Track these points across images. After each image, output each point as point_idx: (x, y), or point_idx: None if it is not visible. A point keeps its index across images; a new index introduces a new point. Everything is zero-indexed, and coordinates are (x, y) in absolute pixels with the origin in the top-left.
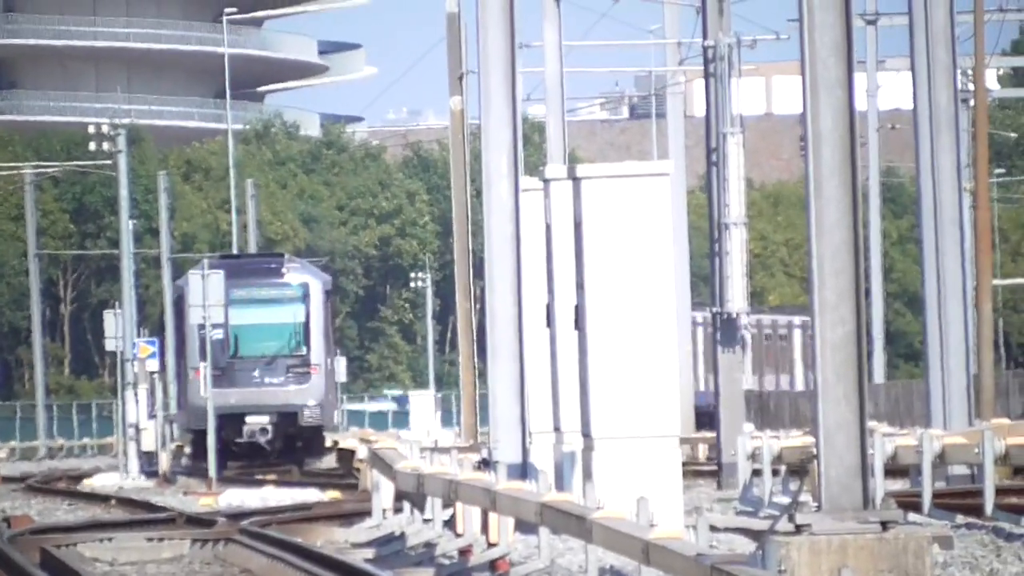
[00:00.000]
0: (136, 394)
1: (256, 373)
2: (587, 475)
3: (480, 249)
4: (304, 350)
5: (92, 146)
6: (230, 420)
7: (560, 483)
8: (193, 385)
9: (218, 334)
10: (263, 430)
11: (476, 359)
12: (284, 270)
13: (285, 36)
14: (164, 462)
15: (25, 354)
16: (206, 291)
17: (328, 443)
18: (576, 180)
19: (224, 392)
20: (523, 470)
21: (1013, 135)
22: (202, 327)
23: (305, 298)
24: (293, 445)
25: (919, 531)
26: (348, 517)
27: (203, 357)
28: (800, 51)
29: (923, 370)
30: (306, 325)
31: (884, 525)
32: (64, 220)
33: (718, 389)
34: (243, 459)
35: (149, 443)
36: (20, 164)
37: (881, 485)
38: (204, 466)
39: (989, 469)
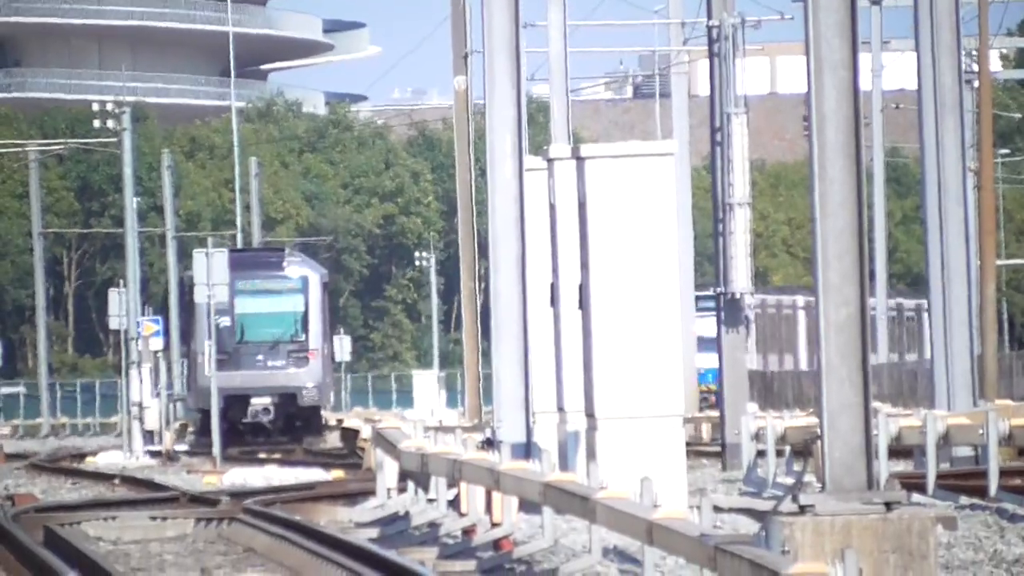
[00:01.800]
0: (140, 373)
1: (260, 357)
2: (591, 455)
3: (484, 228)
4: (303, 336)
5: (96, 124)
6: (236, 401)
7: (564, 463)
8: (201, 367)
9: (225, 321)
10: (266, 410)
11: (480, 339)
12: (285, 264)
13: (289, 14)
14: (168, 441)
15: (29, 332)
16: (210, 270)
17: (332, 422)
18: (580, 160)
19: (230, 375)
20: (527, 450)
21: (1017, 116)
22: (209, 313)
23: (304, 289)
24: (293, 424)
25: (923, 512)
26: (352, 496)
27: (209, 337)
28: (804, 31)
29: (927, 350)
30: (305, 314)
31: (888, 506)
32: (69, 198)
33: (721, 369)
34: (247, 437)
35: (153, 422)
36: (25, 142)
37: (885, 466)
38: (210, 444)
39: (993, 450)
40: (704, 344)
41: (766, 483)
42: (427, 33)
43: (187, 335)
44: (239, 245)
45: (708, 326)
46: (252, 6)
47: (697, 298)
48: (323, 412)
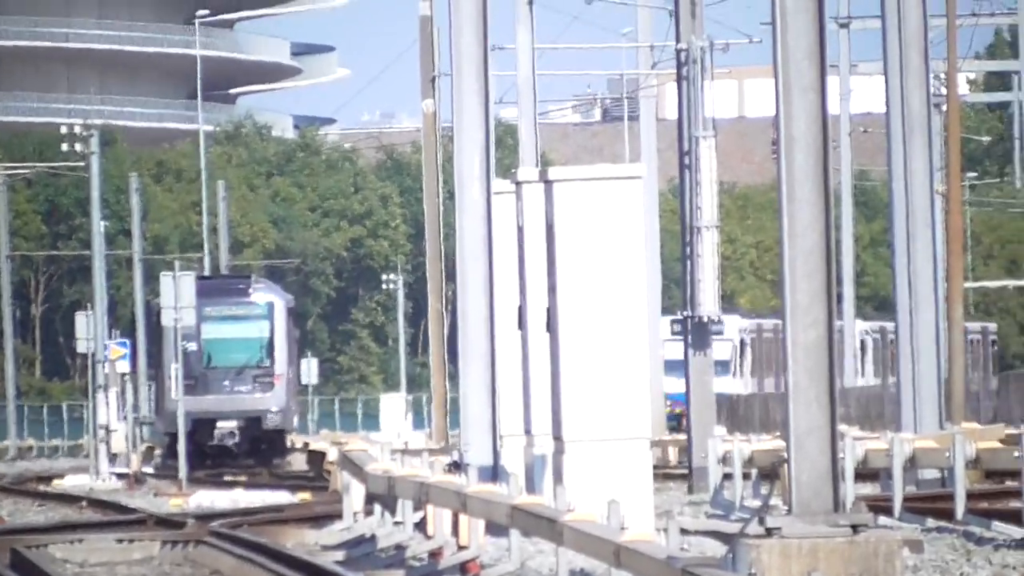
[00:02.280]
0: (107, 396)
1: (226, 382)
2: (558, 478)
3: (452, 251)
4: (268, 362)
5: (64, 147)
6: (202, 424)
7: (531, 486)
8: (169, 391)
9: (192, 346)
10: (231, 433)
11: (447, 362)
12: (251, 290)
13: (257, 38)
14: (135, 463)
15: None
16: (177, 293)
17: (299, 445)
18: (548, 183)
19: (197, 399)
20: (494, 472)
21: (986, 139)
22: (176, 337)
23: (270, 315)
24: (258, 447)
25: (889, 535)
26: (319, 519)
27: (176, 361)
28: (773, 55)
29: (894, 373)
30: (270, 339)
31: (855, 528)
32: (36, 221)
33: (688, 392)
34: (213, 461)
35: (119, 445)
36: None
37: (851, 489)
38: (177, 467)
39: (960, 473)
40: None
41: (733, 506)
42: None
43: (155, 359)
44: (206, 268)
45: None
46: (220, 29)
47: (672, 321)
48: (289, 435)
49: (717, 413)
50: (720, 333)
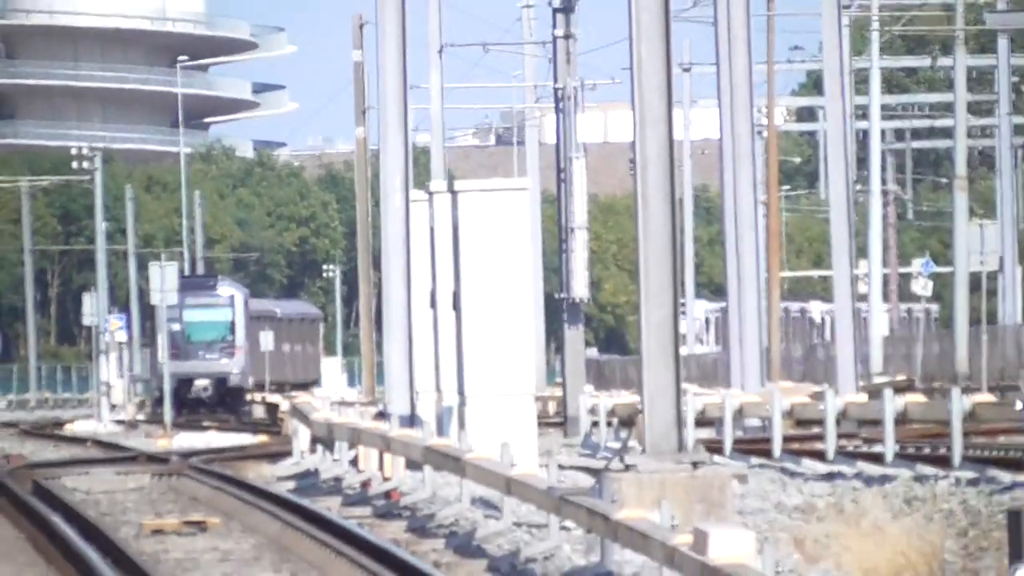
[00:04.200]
0: (108, 359)
1: (201, 352)
2: (462, 425)
3: (378, 247)
4: (231, 337)
5: (74, 165)
6: (184, 383)
7: (440, 431)
8: (159, 358)
9: (176, 327)
10: (205, 389)
11: (374, 333)
12: (219, 287)
13: (225, 79)
14: (130, 412)
15: (21, 328)
16: (163, 279)
17: (258, 399)
18: (454, 193)
19: (180, 364)
20: (411, 420)
21: (797, 159)
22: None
23: (232, 304)
24: (224, 400)
25: (722, 470)
26: (274, 456)
27: (162, 334)
28: (631, 93)
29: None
30: (232, 322)
31: (695, 465)
32: (52, 223)
33: (563, 358)
34: (191, 410)
35: (118, 397)
36: (18, 179)
37: (692, 434)
38: (163, 415)
39: (776, 421)
40: None
41: (599, 447)
42: (334, 93)
43: (148, 334)
44: (186, 260)
45: None
46: (196, 72)
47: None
48: (248, 392)
49: (586, 373)
50: (683, 315)
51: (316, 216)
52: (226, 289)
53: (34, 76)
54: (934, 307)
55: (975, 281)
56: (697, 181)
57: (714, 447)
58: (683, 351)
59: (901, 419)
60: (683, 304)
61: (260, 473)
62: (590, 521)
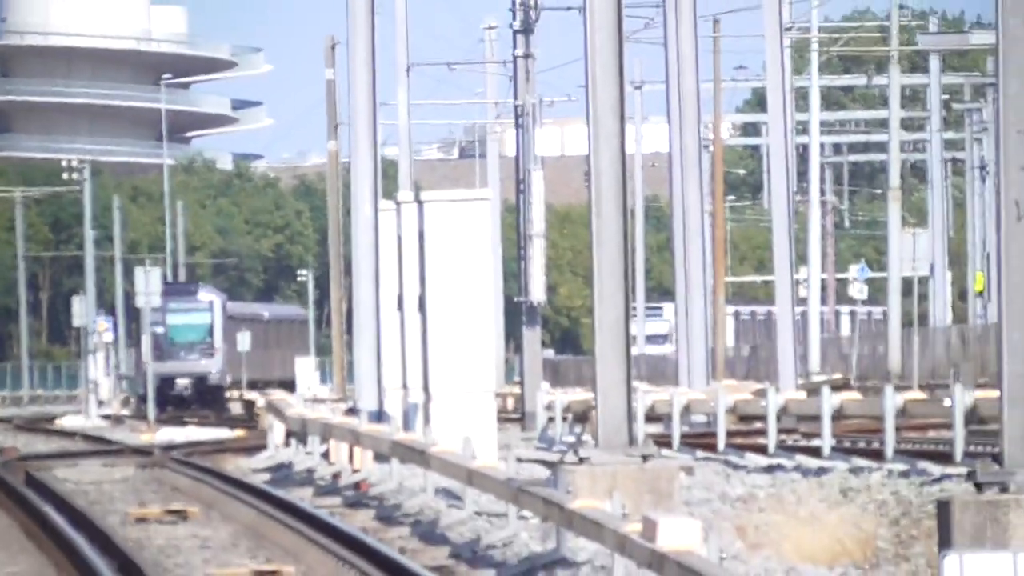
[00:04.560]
0: (95, 358)
1: (182, 352)
2: (426, 420)
3: (349, 253)
4: (210, 339)
5: (65, 176)
6: (167, 381)
7: (407, 426)
8: (143, 358)
9: (160, 329)
10: (186, 387)
11: (345, 334)
12: (199, 292)
13: (206, 96)
14: (116, 408)
15: (14, 329)
16: (148, 283)
17: (236, 395)
18: (420, 203)
19: (163, 364)
20: (379, 416)
21: (742, 171)
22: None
23: (211, 309)
24: (204, 398)
25: (670, 462)
26: (250, 449)
27: (144, 331)
28: (586, 109)
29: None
30: (211, 325)
31: (644, 458)
32: (44, 230)
33: (522, 358)
34: (174, 407)
35: (105, 394)
36: (12, 189)
37: (642, 429)
38: (147, 411)
39: (721, 417)
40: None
41: (554, 441)
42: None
43: (133, 336)
44: (168, 266)
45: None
46: (179, 89)
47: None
48: (226, 389)
49: (543, 371)
50: (659, 316)
51: (291, 224)
52: (206, 295)
53: (28, 93)
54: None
55: (908, 286)
56: (648, 192)
57: (662, 441)
58: (634, 351)
59: (837, 415)
60: (635, 308)
61: (237, 465)
62: (546, 510)
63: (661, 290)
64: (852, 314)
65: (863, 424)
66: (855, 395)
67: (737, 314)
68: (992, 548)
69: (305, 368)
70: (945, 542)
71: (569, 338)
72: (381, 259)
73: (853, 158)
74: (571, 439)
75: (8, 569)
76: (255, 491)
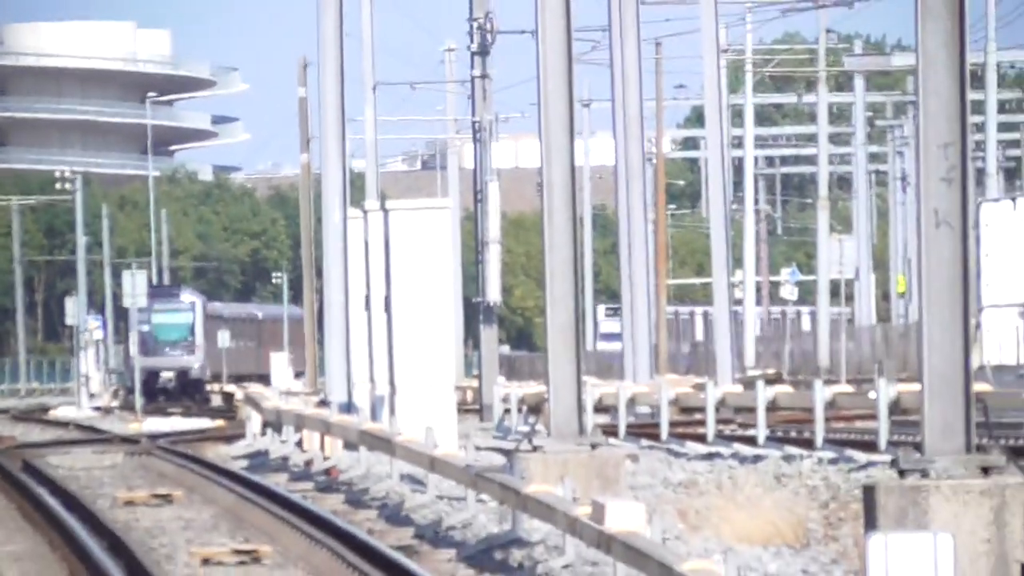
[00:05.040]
0: (86, 354)
1: (167, 348)
2: (392, 411)
3: (320, 257)
4: (191, 337)
5: (58, 186)
6: (152, 375)
7: (374, 416)
8: (131, 353)
9: (146, 327)
10: (170, 380)
11: (317, 332)
12: (182, 295)
13: (189, 112)
14: (106, 400)
15: (11, 327)
16: (134, 285)
17: (217, 389)
18: (386, 211)
19: (150, 359)
20: (348, 407)
21: (682, 182)
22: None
23: (192, 309)
24: (187, 391)
25: (616, 451)
26: (230, 438)
27: (131, 331)
28: (538, 125)
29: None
30: (192, 324)
31: (593, 446)
32: (39, 237)
33: (480, 354)
34: (159, 399)
35: (96, 387)
36: (8, 198)
37: (591, 419)
38: (135, 402)
39: (664, 409)
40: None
41: (510, 431)
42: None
43: (126, 340)
44: (153, 270)
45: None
46: (163, 106)
47: (606, 308)
48: (207, 383)
49: (499, 366)
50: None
51: (266, 231)
52: (188, 296)
53: (23, 110)
54: (808, 309)
55: (835, 287)
56: (596, 201)
57: (610, 431)
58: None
59: (771, 407)
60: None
61: (218, 453)
62: (503, 495)
63: (608, 292)
64: (783, 314)
65: (795, 415)
66: (787, 388)
67: (677, 314)
68: (913, 529)
69: (280, 363)
70: (871, 524)
71: (523, 336)
72: (350, 263)
73: (785, 170)
74: (526, 429)
75: (7, 548)
76: (234, 476)
